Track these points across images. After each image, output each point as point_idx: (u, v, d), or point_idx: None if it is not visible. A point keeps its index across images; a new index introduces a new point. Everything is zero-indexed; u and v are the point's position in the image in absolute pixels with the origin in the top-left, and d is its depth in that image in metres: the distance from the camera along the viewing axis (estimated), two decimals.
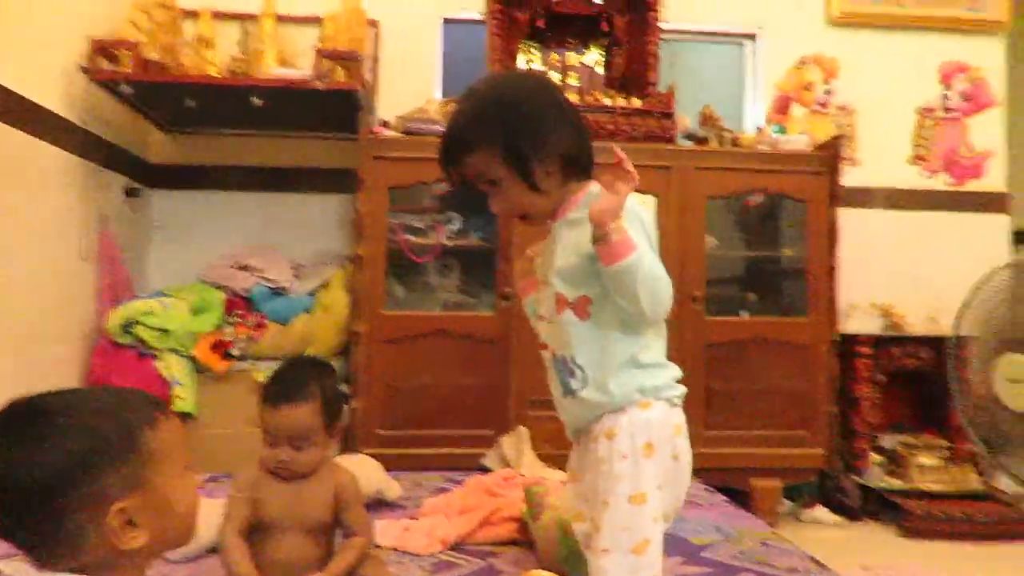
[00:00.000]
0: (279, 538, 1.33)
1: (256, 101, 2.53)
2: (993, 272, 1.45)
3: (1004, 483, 2.84)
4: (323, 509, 1.34)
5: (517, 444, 2.36)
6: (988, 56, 3.35)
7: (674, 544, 1.66)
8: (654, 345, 1.18)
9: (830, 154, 2.82)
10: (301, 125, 3.02)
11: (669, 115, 2.78)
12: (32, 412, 0.69)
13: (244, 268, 2.78)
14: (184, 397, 2.48)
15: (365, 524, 1.39)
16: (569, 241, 1.16)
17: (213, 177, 3.10)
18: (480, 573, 1.62)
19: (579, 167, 1.18)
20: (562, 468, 2.44)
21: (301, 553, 1.34)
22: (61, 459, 0.67)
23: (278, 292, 2.76)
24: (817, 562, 1.58)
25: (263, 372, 2.62)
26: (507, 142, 1.11)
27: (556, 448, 2.59)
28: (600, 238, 1.05)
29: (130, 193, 2.85)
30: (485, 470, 2.33)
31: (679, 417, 1.18)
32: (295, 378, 1.36)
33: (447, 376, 2.67)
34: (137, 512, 0.71)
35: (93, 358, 2.52)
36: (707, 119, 2.93)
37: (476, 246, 2.77)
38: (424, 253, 2.73)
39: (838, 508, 2.83)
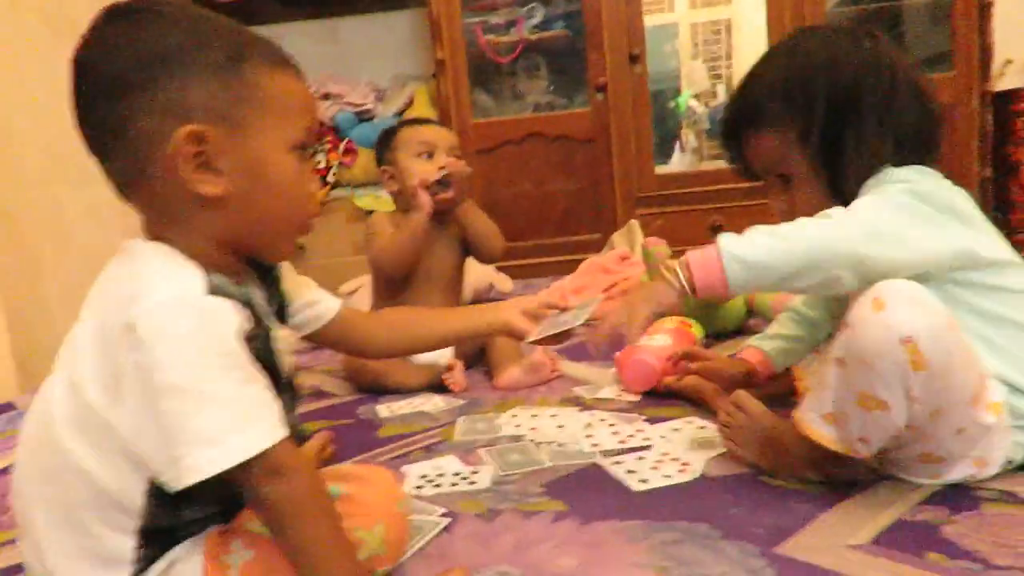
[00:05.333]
0: (417, 291, 1.32)
1: None
2: None
3: None
4: (458, 253, 1.38)
5: (629, 238, 2.21)
6: None
7: None
8: None
9: None
10: None
11: None
12: (136, 7, 0.60)
13: (325, 97, 2.68)
14: None
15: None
16: None
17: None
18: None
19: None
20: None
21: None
22: (148, 48, 0.58)
23: (363, 117, 2.65)
24: None
25: (361, 198, 2.56)
26: (815, 127, 0.79)
27: (667, 246, 2.44)
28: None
29: None
30: None
31: None
32: None
33: (545, 181, 2.52)
34: (217, 150, 0.59)
35: None
36: None
37: (562, 37, 2.53)
38: (507, 52, 2.52)
39: None
